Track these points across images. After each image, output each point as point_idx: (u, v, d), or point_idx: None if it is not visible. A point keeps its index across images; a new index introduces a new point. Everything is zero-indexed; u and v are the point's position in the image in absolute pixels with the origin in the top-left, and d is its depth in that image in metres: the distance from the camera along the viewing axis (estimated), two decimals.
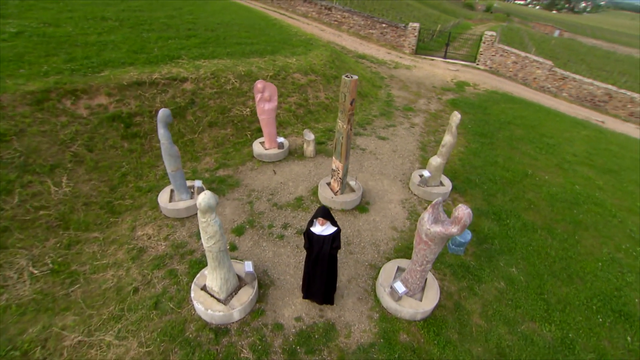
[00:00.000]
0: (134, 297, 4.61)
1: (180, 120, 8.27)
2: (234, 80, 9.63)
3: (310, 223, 4.04)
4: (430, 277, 4.87)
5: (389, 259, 5.46)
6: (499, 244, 6.01)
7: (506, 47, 18.02)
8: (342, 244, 4.53)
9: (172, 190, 6.32)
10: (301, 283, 4.80)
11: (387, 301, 4.57)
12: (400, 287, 4.43)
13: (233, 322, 4.34)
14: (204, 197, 3.52)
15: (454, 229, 3.69)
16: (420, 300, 4.56)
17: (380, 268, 5.29)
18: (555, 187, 8.03)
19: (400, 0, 38.92)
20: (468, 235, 5.57)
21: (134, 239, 5.58)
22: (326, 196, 6.60)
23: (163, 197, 6.15)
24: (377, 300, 4.78)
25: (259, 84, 7.31)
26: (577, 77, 17.01)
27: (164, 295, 4.64)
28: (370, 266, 5.40)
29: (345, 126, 5.80)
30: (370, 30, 21.18)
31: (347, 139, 5.98)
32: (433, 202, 3.99)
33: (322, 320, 4.47)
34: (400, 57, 18.73)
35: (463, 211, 3.60)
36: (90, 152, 6.70)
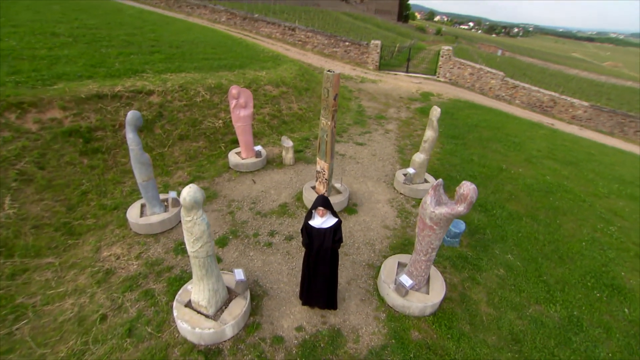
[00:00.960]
0: (101, 326, 3.90)
1: (147, 134, 7.68)
2: (204, 93, 9.25)
3: (309, 216, 3.69)
4: (432, 269, 4.64)
5: (386, 257, 5.19)
6: (490, 233, 6.00)
7: (462, 60, 19.38)
8: None
9: (142, 205, 5.69)
10: (299, 289, 4.36)
11: (393, 298, 4.26)
12: (407, 281, 4.16)
13: (226, 340, 3.77)
14: (189, 191, 3.09)
15: (460, 208, 3.54)
16: (427, 294, 4.30)
17: (379, 267, 5.00)
18: (529, 178, 8.36)
19: (359, 24, 41.23)
20: (462, 226, 5.49)
21: (98, 261, 4.85)
22: (312, 199, 6.28)
23: (132, 213, 5.50)
24: (381, 300, 4.44)
25: (234, 90, 7.02)
26: (526, 85, 18.58)
27: (139, 320, 3.98)
28: (368, 266, 5.09)
29: (329, 123, 5.63)
30: (334, 49, 21.88)
31: (332, 137, 5.80)
32: (434, 184, 3.85)
33: (325, 327, 4.04)
34: (365, 73, 19.39)
35: (468, 187, 3.47)
36: (42, 170, 5.91)
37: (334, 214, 3.68)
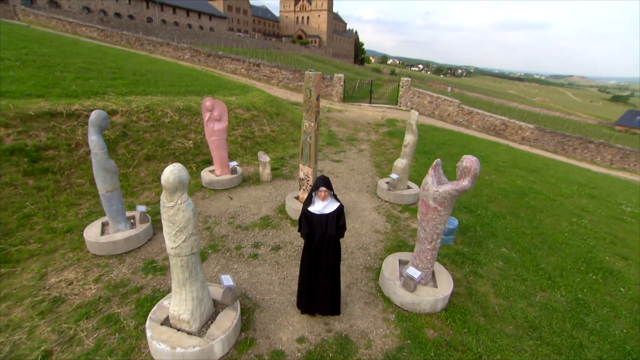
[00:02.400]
0: None
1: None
2: (172, 114, 8.81)
3: (308, 202, 3.33)
4: (435, 265, 4.36)
5: (383, 259, 4.85)
6: (480, 230, 5.94)
7: (421, 90, 20.89)
8: None
9: (104, 224, 4.93)
10: (295, 298, 3.84)
11: (401, 296, 3.87)
12: (415, 272, 3.82)
13: None
14: (173, 169, 2.64)
15: (464, 182, 3.40)
16: (436, 287, 3.97)
17: (378, 269, 4.63)
18: (502, 184, 8.68)
19: (319, 65, 43.74)
20: (455, 222, 5.37)
21: (43, 289, 3.96)
22: (297, 208, 5.89)
23: (91, 232, 4.72)
24: (387, 300, 4.02)
25: (207, 102, 6.72)
26: (480, 111, 20.29)
27: (97, 352, 3.17)
28: (366, 269, 4.69)
29: (312, 124, 5.47)
30: (299, 83, 22.63)
31: (316, 140, 5.62)
32: (433, 164, 3.72)
33: (331, 335, 3.50)
34: (331, 104, 20.09)
35: (469, 159, 3.37)
36: None
37: (335, 197, 3.36)
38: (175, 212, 2.74)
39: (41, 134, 6.40)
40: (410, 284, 3.78)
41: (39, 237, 4.88)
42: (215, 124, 6.88)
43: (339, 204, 3.33)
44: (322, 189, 3.20)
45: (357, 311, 3.86)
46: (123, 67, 12.54)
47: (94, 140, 4.29)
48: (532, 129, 20.15)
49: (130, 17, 40.36)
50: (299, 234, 3.49)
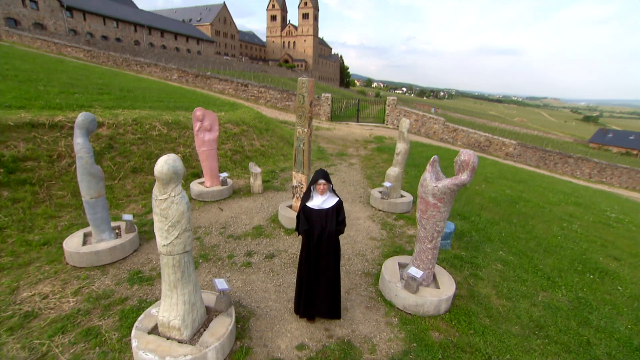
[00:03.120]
0: None
1: None
2: (160, 127, 8.66)
3: (306, 197, 3.21)
4: (435, 267, 4.26)
5: (381, 265, 4.71)
6: (476, 235, 5.90)
7: (407, 108, 21.49)
8: None
9: (86, 235, 4.64)
10: (292, 305, 3.64)
11: (403, 298, 3.72)
12: (417, 272, 3.69)
13: None
14: (167, 159, 2.51)
15: (463, 176, 3.39)
16: (438, 288, 3.85)
17: (376, 274, 4.48)
18: (493, 193, 8.80)
19: (289, 90, 44.58)
20: (452, 225, 5.32)
21: (13, 304, 3.61)
22: (290, 216, 5.74)
23: (72, 242, 4.42)
24: (389, 304, 3.85)
25: (198, 112, 6.64)
26: (465, 128, 20.93)
27: None
28: (364, 274, 4.53)
29: (306, 130, 5.45)
30: (287, 102, 22.95)
31: (309, 146, 5.57)
32: (430, 160, 3.71)
33: (332, 340, 3.29)
34: (319, 122, 20.34)
35: (467, 153, 3.38)
36: None
37: (334, 192, 3.27)
38: (169, 206, 2.57)
39: (20, 145, 6.13)
40: (412, 285, 3.65)
41: (12, 250, 4.53)
42: (205, 134, 6.77)
43: (338, 198, 3.24)
44: (322, 181, 3.11)
45: (358, 316, 3.67)
46: (110, 84, 12.43)
47: (80, 143, 4.10)
48: (515, 144, 20.86)
49: (118, 39, 40.62)
50: (297, 233, 3.35)
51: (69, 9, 34.33)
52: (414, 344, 3.27)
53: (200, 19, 69.92)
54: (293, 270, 4.48)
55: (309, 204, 3.18)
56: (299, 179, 5.79)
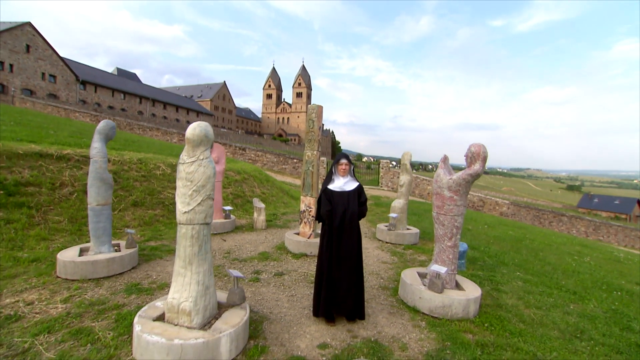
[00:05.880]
0: None
1: None
2: (164, 168, 8.81)
3: (327, 181, 3.20)
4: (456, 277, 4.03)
5: (396, 282, 4.43)
6: (489, 260, 5.70)
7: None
8: None
9: (82, 250, 4.34)
10: (310, 308, 3.31)
11: (429, 300, 3.42)
12: (440, 268, 3.47)
13: None
14: (200, 124, 2.58)
15: (476, 166, 3.48)
16: (463, 290, 3.59)
17: (394, 287, 4.19)
18: (497, 233, 8.75)
19: (301, 157, 46.60)
20: (464, 245, 5.17)
21: None
22: (299, 241, 5.53)
23: (67, 254, 4.11)
24: (413, 310, 3.52)
25: None
26: None
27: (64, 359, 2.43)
28: (381, 288, 4.22)
29: (315, 153, 5.64)
30: (284, 166, 23.75)
31: (318, 169, 5.70)
32: (442, 157, 3.84)
33: (357, 340, 2.91)
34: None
35: (476, 145, 3.52)
36: None
37: (354, 176, 3.27)
38: (196, 169, 2.55)
39: (25, 171, 6.12)
40: (437, 283, 3.40)
41: None
42: None
43: (358, 183, 3.24)
44: (343, 161, 3.15)
45: (382, 320, 3.31)
46: (116, 138, 12.92)
47: (97, 147, 4.16)
48: (508, 204, 21.36)
49: (123, 109, 43.37)
50: (316, 221, 3.25)
51: (83, 83, 37.40)
52: (448, 343, 2.91)
53: (201, 95, 76.22)
54: (306, 285, 4.16)
55: (330, 186, 3.16)
56: (307, 202, 5.75)
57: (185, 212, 2.55)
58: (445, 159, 3.82)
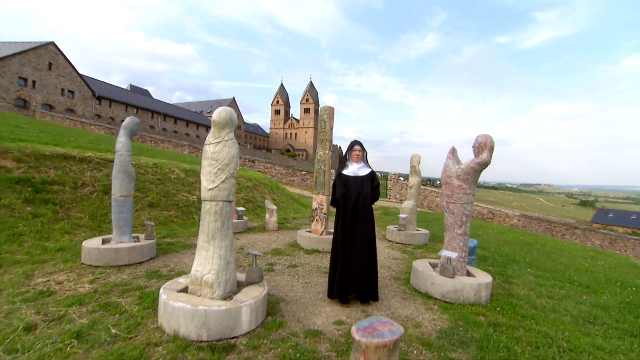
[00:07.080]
0: (25, 336, 2.42)
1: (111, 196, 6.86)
2: (178, 172, 9.11)
3: (342, 166, 3.37)
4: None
5: (407, 273, 4.50)
6: (500, 258, 5.71)
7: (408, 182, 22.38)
8: None
9: (104, 240, 4.54)
10: (325, 292, 3.42)
11: (441, 284, 3.49)
12: (451, 253, 3.55)
13: (239, 336, 2.52)
14: (225, 108, 2.81)
15: (484, 155, 3.61)
16: (474, 277, 3.65)
17: (405, 279, 4.26)
18: (507, 238, 8.72)
19: (308, 172, 46.95)
20: (474, 241, 5.21)
21: (28, 285, 3.39)
22: (311, 237, 5.66)
23: (91, 242, 4.32)
24: (425, 296, 3.59)
25: None
26: None
27: (93, 327, 2.57)
28: (393, 279, 4.29)
29: (327, 152, 5.83)
30: (292, 178, 24.03)
31: (330, 167, 5.87)
32: (450, 149, 3.98)
33: None
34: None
35: (483, 135, 3.66)
36: None
37: (367, 163, 3.44)
38: (221, 149, 2.75)
39: (50, 171, 6.43)
40: (448, 268, 3.48)
41: (27, 251, 4.39)
42: None
43: (371, 169, 3.40)
44: (357, 147, 3.32)
45: (395, 304, 3.39)
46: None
47: (122, 141, 4.42)
48: (519, 216, 21.09)
49: None
50: (331, 206, 3.40)
51: (98, 98, 38.91)
52: (461, 322, 2.97)
53: (211, 110, 78.04)
54: (319, 275, 4.26)
55: (345, 171, 3.32)
56: (319, 200, 5.90)
57: (210, 189, 2.74)
58: (453, 150, 3.97)
